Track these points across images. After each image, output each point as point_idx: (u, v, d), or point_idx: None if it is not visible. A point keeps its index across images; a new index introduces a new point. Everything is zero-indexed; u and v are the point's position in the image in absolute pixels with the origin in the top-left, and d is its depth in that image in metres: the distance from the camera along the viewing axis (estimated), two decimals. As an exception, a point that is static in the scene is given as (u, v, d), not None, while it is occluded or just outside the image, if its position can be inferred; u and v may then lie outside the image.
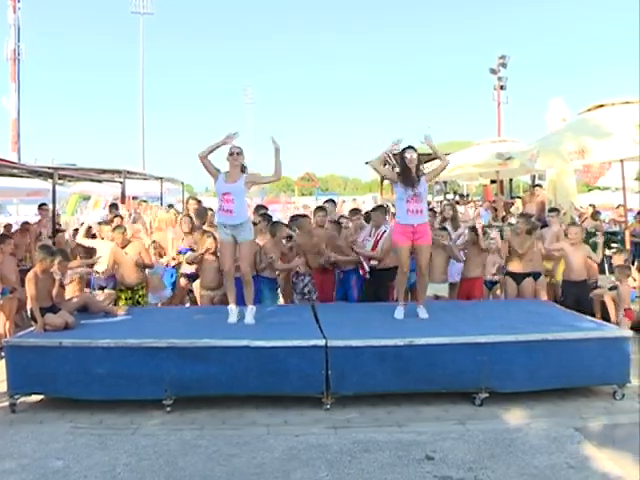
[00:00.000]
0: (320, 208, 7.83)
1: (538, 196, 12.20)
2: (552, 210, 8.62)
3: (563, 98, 12.95)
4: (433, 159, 18.05)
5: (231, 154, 5.59)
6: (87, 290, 7.22)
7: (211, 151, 5.60)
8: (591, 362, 5.04)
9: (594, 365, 5.04)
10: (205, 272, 6.94)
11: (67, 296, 6.50)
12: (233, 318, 5.67)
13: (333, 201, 10.02)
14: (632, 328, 6.15)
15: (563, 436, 4.36)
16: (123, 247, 6.92)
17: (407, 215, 5.66)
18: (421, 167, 5.76)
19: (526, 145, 11.13)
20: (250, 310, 5.72)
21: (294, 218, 7.68)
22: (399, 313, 5.83)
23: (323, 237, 7.08)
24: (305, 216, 7.66)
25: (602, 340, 5.14)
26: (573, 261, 6.88)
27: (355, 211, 8.18)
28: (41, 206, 10.64)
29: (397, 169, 5.81)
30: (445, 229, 7.13)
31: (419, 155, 5.70)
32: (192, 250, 7.42)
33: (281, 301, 7.54)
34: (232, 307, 5.74)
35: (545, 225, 8.44)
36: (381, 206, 7.86)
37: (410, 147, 5.72)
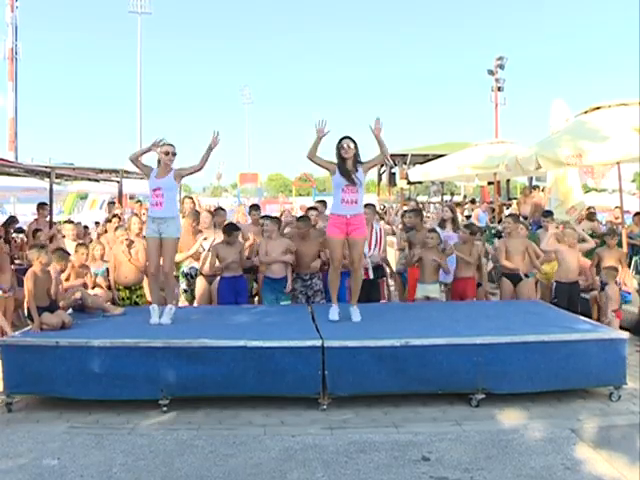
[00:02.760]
0: (312, 208, 7.76)
1: (534, 197, 12.23)
2: (546, 214, 8.60)
3: (562, 99, 12.94)
4: (429, 160, 18.14)
5: (167, 153, 5.58)
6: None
7: (140, 155, 5.74)
8: (587, 363, 5.05)
9: (590, 366, 5.04)
10: None
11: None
12: (155, 319, 5.57)
13: (324, 202, 9.79)
14: (627, 329, 6.17)
15: (559, 437, 4.37)
16: (128, 246, 6.92)
17: (340, 205, 5.48)
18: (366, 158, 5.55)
19: (524, 148, 11.17)
20: (168, 310, 5.64)
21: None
22: (333, 314, 5.66)
23: (317, 237, 6.93)
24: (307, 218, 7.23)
25: (598, 342, 5.14)
26: (567, 262, 6.91)
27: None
28: (41, 205, 10.61)
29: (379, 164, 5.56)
30: (434, 230, 7.11)
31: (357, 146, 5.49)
32: None
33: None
34: (154, 307, 5.66)
35: (540, 226, 8.46)
36: (370, 204, 7.52)
37: (346, 137, 5.54)
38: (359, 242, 5.59)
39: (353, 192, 5.47)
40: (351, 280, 5.82)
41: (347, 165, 5.50)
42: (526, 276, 7.09)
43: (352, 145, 5.50)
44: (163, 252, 5.64)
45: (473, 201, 18.04)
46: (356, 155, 5.54)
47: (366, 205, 7.06)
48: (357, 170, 5.51)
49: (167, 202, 5.57)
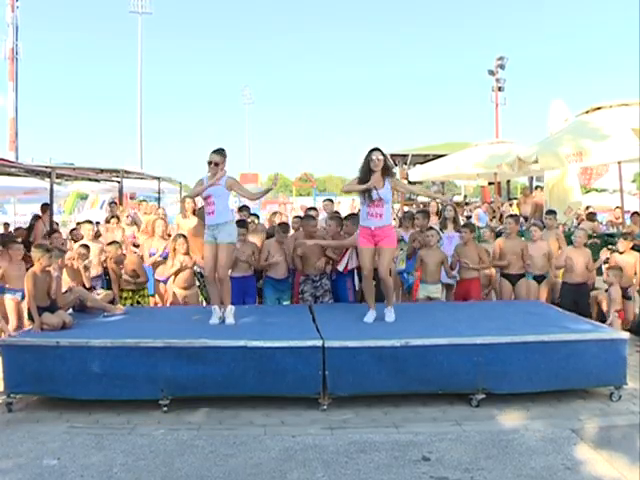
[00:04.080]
0: (312, 208, 7.77)
1: (534, 197, 12.22)
2: (550, 212, 8.60)
3: (562, 100, 12.94)
4: (429, 160, 18.16)
5: (209, 163, 5.63)
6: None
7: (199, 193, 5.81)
8: (588, 364, 5.05)
9: (590, 367, 5.05)
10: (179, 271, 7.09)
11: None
12: (215, 319, 5.69)
13: (331, 200, 9.87)
14: (628, 330, 6.16)
15: (559, 437, 4.37)
16: (117, 263, 6.99)
17: (367, 218, 5.61)
18: (395, 171, 5.70)
19: (525, 147, 11.18)
20: (229, 310, 5.74)
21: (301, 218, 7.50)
22: (369, 317, 5.72)
23: (322, 237, 6.90)
24: (311, 217, 7.25)
25: (598, 342, 5.14)
26: (574, 264, 6.91)
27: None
28: (46, 205, 10.59)
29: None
30: (432, 228, 7.10)
31: (389, 156, 5.60)
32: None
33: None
34: (215, 307, 5.78)
35: (544, 226, 8.44)
36: (353, 214, 7.53)
37: (376, 149, 5.57)
38: (385, 251, 5.66)
39: (378, 206, 5.57)
40: (382, 285, 5.88)
41: (371, 180, 5.48)
42: (543, 277, 7.08)
43: (381, 157, 5.53)
44: (218, 256, 5.69)
45: (467, 202, 18.14)
46: (385, 167, 5.59)
47: (346, 217, 7.16)
48: (384, 184, 5.55)
49: (218, 209, 5.66)
